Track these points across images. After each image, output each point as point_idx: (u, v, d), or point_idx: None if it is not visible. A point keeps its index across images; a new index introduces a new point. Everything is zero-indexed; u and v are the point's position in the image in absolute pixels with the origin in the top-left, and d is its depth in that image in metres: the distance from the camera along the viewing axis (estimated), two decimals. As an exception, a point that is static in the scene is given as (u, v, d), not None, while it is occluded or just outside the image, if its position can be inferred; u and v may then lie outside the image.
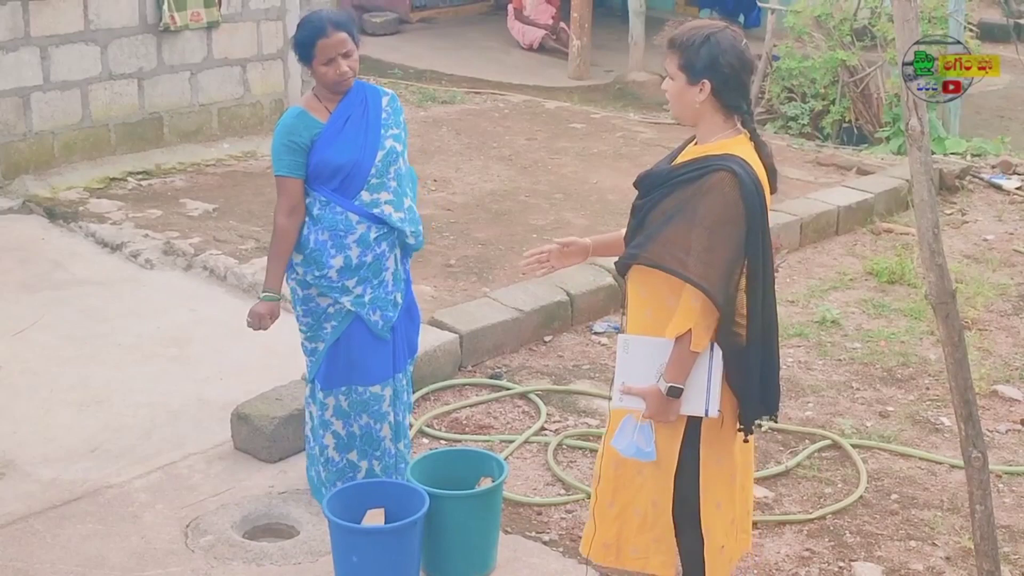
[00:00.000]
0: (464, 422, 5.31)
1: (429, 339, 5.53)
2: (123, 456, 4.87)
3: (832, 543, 4.47)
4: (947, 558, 4.39)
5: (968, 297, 6.74)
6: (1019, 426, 5.41)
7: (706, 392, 3.42)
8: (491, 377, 5.71)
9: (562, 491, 4.77)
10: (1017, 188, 8.88)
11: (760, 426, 3.68)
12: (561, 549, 4.36)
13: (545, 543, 4.41)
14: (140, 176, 8.20)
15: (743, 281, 3.38)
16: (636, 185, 3.56)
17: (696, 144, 3.50)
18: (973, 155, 9.65)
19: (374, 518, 4.06)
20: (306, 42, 4.17)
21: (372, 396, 4.38)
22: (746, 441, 3.59)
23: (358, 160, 4.21)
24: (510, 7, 14.58)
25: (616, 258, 3.61)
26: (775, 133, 10.46)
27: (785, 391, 5.63)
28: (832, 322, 6.43)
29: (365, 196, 4.23)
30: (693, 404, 3.44)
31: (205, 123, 8.89)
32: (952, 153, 9.67)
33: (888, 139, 10.04)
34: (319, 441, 4.46)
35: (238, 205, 7.68)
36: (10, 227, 7.34)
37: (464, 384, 5.63)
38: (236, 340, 5.79)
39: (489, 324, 5.89)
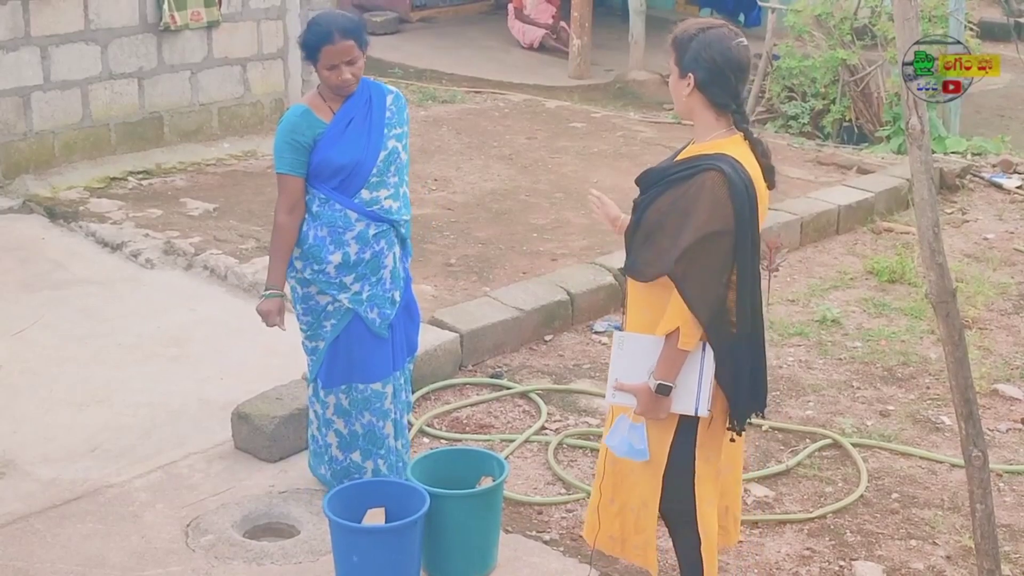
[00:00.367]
0: (464, 421, 5.31)
1: (429, 338, 5.53)
2: (123, 456, 4.87)
3: (833, 542, 4.47)
4: (948, 557, 4.39)
5: (968, 296, 6.74)
6: (1019, 425, 5.41)
7: (697, 391, 3.45)
8: (491, 376, 5.71)
9: (563, 490, 4.77)
10: (1017, 187, 8.87)
11: (757, 424, 3.71)
12: (562, 548, 4.35)
13: (546, 542, 4.41)
14: (140, 176, 8.20)
15: (733, 278, 3.41)
16: (636, 182, 3.61)
17: (693, 143, 3.55)
18: (973, 154, 9.64)
19: (374, 517, 4.06)
20: (312, 46, 4.17)
21: (373, 393, 4.38)
22: (733, 440, 3.62)
23: (360, 160, 4.22)
24: (510, 6, 14.57)
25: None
26: (775, 132, 10.46)
27: (785, 390, 5.64)
28: (832, 321, 6.43)
29: (365, 194, 4.24)
30: (684, 402, 3.47)
31: (205, 122, 8.89)
32: (952, 152, 9.66)
33: (888, 138, 10.04)
34: (323, 440, 4.48)
35: (238, 205, 7.68)
36: (10, 227, 7.34)
37: (464, 383, 5.63)
38: (236, 339, 5.80)
39: (489, 323, 5.89)
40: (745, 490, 4.71)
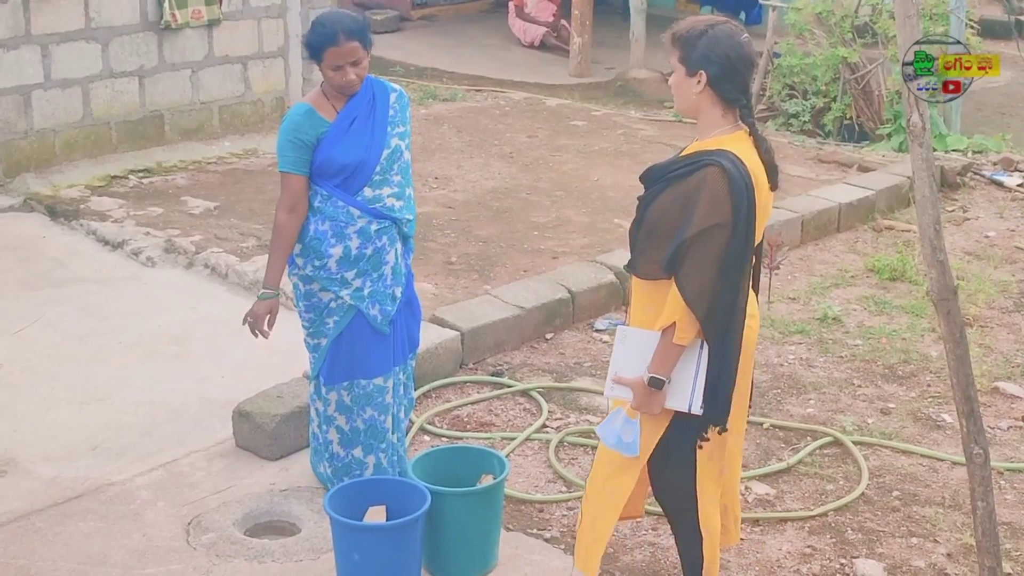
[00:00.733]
0: (465, 419, 5.31)
1: (430, 336, 5.53)
2: (124, 454, 4.87)
3: (834, 540, 4.47)
4: (948, 555, 4.39)
5: (969, 294, 6.75)
6: (1020, 423, 5.41)
7: (691, 388, 3.45)
8: (492, 374, 5.71)
9: (563, 488, 4.77)
10: (1018, 185, 8.87)
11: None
12: (563, 546, 4.35)
13: (546, 540, 4.41)
14: (141, 174, 8.20)
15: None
16: (641, 179, 3.63)
17: (696, 140, 3.56)
18: (974, 152, 9.64)
19: (375, 515, 4.07)
20: (316, 47, 4.17)
21: (375, 388, 4.39)
22: (719, 434, 3.60)
23: (363, 159, 4.22)
24: (511, 4, 14.56)
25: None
26: (776, 130, 10.46)
27: (786, 388, 5.64)
28: (833, 319, 6.43)
29: (368, 192, 4.25)
30: (678, 399, 3.47)
31: (206, 121, 8.89)
32: (953, 150, 9.66)
33: (889, 136, 10.03)
34: (324, 437, 4.48)
35: (239, 203, 7.68)
36: (11, 225, 7.34)
37: (465, 381, 5.63)
38: (237, 338, 5.76)
39: (490, 321, 5.90)
40: (746, 488, 4.72)
